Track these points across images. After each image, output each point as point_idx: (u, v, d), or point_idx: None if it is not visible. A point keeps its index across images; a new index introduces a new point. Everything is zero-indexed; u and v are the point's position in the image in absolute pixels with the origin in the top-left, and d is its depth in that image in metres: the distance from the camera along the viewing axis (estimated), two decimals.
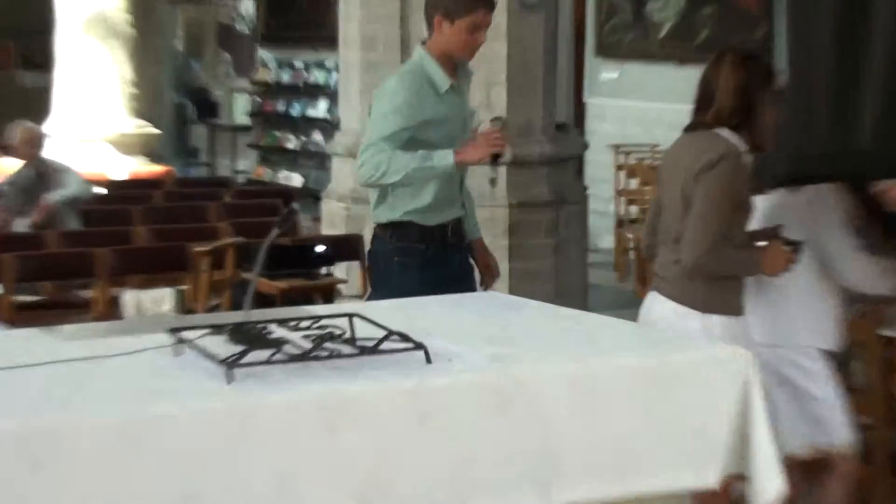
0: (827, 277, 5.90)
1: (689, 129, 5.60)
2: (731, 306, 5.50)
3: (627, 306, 8.29)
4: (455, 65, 6.08)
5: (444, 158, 5.82)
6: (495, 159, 5.96)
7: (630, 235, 14.05)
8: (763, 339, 5.77)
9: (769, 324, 5.92)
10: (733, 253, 5.47)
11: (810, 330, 5.89)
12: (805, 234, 5.76)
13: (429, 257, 6.09)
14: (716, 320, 5.42)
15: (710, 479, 4.47)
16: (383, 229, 6.23)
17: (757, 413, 4.48)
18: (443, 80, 5.94)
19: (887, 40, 4.99)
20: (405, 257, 6.12)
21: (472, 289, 6.17)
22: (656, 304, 5.61)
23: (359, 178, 6.13)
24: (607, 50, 17.23)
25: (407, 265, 6.08)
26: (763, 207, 6.00)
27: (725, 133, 5.41)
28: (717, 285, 5.44)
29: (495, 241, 10.50)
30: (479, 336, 4.58)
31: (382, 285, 6.25)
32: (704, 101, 5.53)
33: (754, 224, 5.97)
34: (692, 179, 5.40)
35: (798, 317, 5.88)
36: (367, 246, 10.41)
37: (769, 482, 4.49)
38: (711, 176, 5.35)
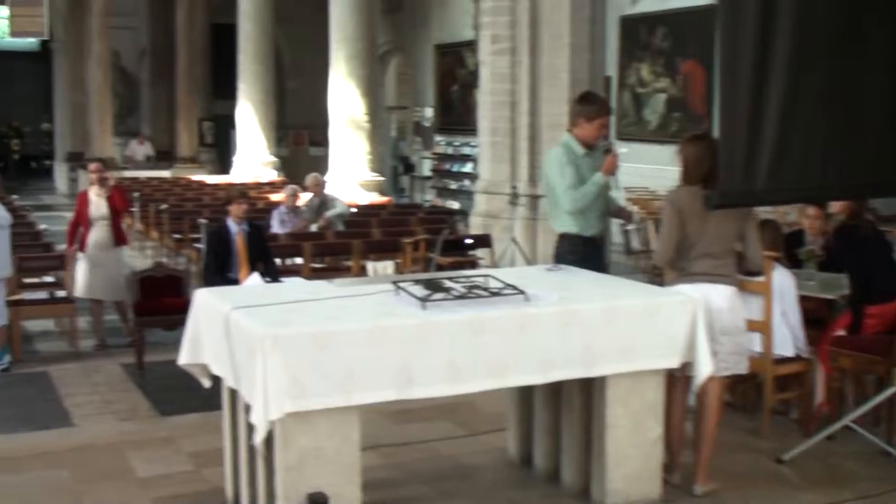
0: None
1: (696, 183, 4.70)
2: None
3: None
4: (587, 143, 5.46)
5: (596, 177, 5.35)
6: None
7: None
8: None
9: None
10: None
11: None
12: None
13: (586, 252, 5.42)
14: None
15: (675, 362, 4.46)
16: (564, 235, 5.51)
17: (699, 330, 4.44)
18: (579, 150, 5.40)
19: (778, 111, 4.55)
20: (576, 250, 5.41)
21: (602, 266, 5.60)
22: (714, 287, 4.69)
23: (570, 208, 5.40)
24: (624, 134, 16.65)
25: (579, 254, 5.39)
26: None
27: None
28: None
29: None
30: (554, 287, 4.55)
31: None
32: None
33: None
34: (742, 219, 4.72)
35: None
36: (496, 241, 10.56)
37: (703, 367, 4.46)
38: (754, 216, 4.88)
